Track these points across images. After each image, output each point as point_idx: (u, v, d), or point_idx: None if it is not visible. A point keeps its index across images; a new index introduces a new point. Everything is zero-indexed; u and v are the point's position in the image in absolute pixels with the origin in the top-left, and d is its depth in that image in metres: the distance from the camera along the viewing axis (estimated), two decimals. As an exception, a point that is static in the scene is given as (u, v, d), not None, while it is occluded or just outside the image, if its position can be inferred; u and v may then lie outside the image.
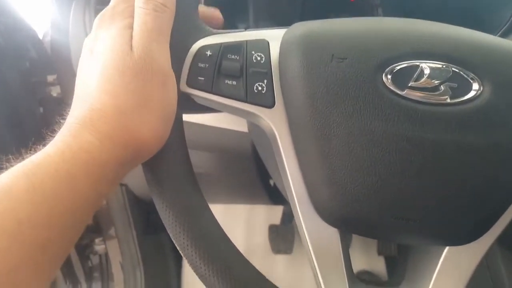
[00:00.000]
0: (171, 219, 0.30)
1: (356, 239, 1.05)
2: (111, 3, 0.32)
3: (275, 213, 1.12)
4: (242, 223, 1.15)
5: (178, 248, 0.31)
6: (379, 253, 1.09)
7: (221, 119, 0.60)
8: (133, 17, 0.30)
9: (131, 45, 0.29)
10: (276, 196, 0.78)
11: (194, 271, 0.31)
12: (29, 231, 0.23)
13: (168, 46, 0.31)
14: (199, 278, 0.31)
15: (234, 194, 0.85)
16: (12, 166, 0.25)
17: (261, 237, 1.12)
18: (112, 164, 0.27)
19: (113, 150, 0.27)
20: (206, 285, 0.31)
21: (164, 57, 0.30)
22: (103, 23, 0.31)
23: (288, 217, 1.10)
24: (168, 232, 0.31)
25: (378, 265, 1.10)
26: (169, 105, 0.30)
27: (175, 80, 0.31)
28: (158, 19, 0.30)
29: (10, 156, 0.27)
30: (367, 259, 1.10)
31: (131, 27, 0.30)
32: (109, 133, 0.27)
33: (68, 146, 0.26)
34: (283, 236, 1.08)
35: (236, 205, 1.14)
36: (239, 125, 0.59)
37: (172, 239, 0.31)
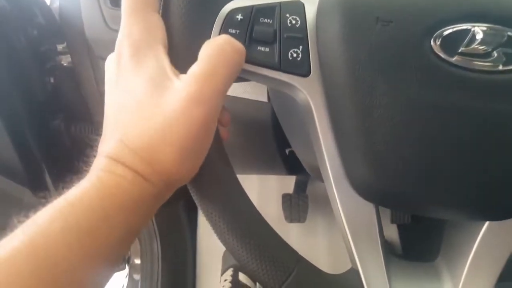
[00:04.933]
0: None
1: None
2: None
3: (288, 182, 1.12)
4: (255, 192, 1.15)
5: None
6: (392, 221, 1.09)
7: (238, 88, 0.58)
8: None
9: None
10: (292, 167, 0.77)
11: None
12: (66, 272, 0.23)
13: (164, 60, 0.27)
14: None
15: (250, 165, 0.84)
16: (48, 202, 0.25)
17: (275, 206, 1.12)
18: (145, 199, 0.26)
19: (144, 184, 0.26)
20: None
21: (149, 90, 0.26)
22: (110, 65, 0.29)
23: (302, 186, 1.09)
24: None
25: (391, 233, 1.10)
26: (191, 138, 0.26)
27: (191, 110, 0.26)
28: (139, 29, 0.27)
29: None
30: (380, 227, 1.10)
31: None
32: (137, 168, 0.26)
33: (102, 183, 0.25)
34: (297, 205, 1.07)
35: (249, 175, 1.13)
36: (257, 94, 0.57)
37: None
